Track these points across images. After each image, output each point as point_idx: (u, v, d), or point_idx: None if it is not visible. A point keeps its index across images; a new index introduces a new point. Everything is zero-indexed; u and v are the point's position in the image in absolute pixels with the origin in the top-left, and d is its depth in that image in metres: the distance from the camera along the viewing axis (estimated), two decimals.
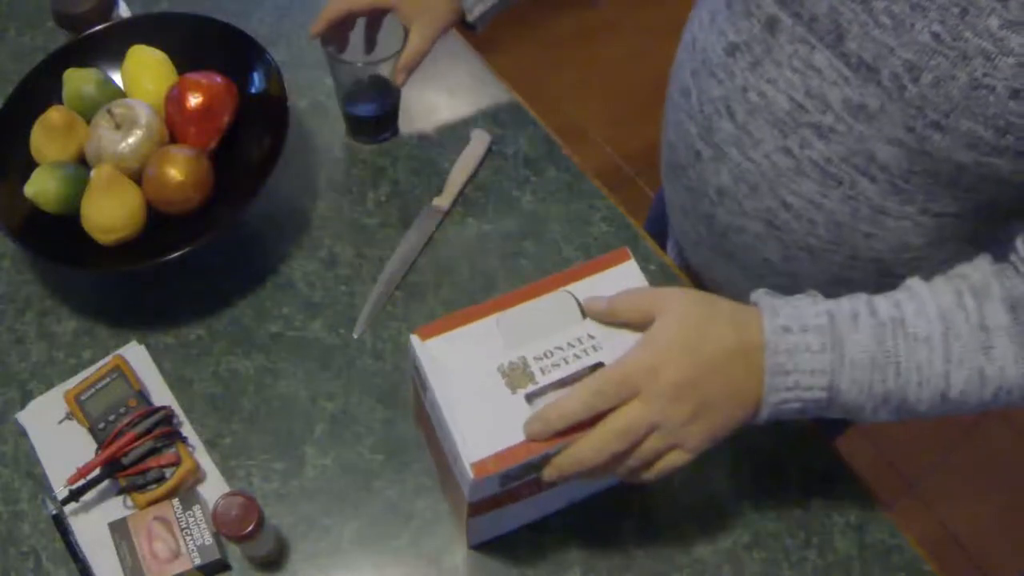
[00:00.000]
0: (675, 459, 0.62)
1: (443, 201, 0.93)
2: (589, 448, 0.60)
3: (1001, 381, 0.61)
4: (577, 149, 1.01)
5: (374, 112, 0.96)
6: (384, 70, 0.90)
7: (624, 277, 0.67)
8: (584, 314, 0.65)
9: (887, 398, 0.62)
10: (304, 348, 0.86)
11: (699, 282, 0.94)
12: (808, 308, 0.62)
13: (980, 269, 0.64)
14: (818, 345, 0.61)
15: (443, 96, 1.03)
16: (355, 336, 0.87)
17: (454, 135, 0.99)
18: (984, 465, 1.80)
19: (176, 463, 0.77)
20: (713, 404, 0.61)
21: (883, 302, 0.63)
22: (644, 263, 0.91)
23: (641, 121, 2.15)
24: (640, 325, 0.62)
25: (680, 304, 0.62)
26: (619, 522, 0.78)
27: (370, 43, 0.92)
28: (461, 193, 0.95)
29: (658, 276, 0.91)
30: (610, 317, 0.63)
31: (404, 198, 0.95)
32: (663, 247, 1.02)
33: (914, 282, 0.64)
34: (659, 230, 1.06)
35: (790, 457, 0.81)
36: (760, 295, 0.64)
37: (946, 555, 1.71)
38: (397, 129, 0.99)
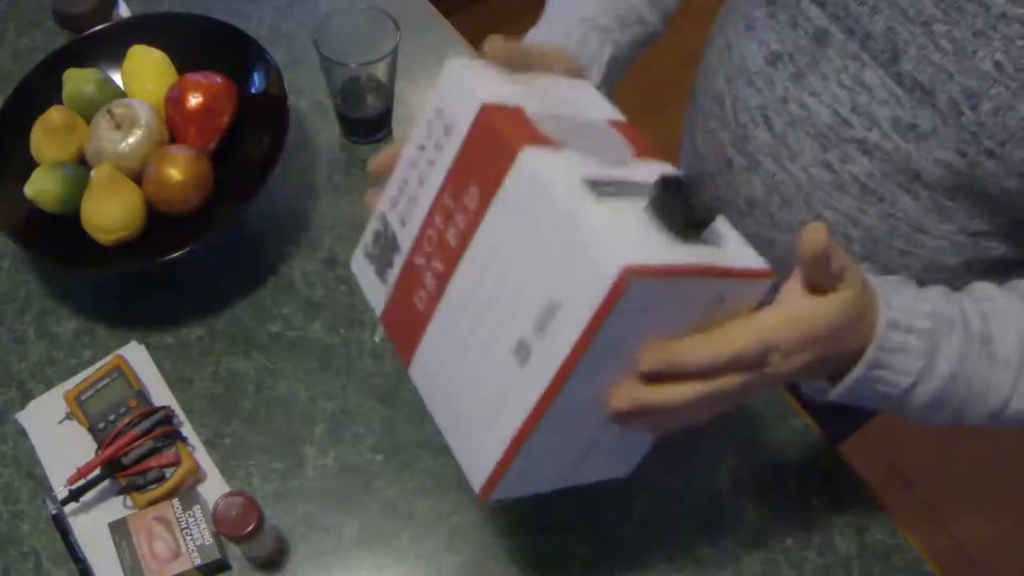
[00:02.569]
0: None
1: None
2: (702, 355, 0.51)
3: None
4: None
5: (367, 113, 0.96)
6: (377, 71, 0.90)
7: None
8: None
9: (943, 407, 0.60)
10: (304, 348, 0.86)
11: None
12: (916, 304, 0.58)
13: None
14: (916, 349, 0.58)
15: None
16: (376, 340, 0.86)
17: None
18: (984, 465, 1.80)
19: (176, 463, 0.77)
20: (821, 358, 0.55)
21: (973, 313, 0.59)
22: None
23: (640, 121, 2.15)
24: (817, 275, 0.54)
25: (858, 292, 0.53)
26: (619, 522, 0.78)
27: None
28: None
29: None
30: (815, 248, 0.51)
31: None
32: None
33: (994, 292, 0.61)
34: None
35: (790, 457, 0.81)
36: (866, 272, 0.57)
37: (946, 555, 1.71)
38: (391, 129, 0.99)
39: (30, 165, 0.86)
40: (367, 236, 0.60)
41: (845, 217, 0.71)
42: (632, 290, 0.42)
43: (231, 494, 0.70)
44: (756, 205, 0.77)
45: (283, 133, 0.86)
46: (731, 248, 0.50)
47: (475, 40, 1.09)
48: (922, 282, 0.73)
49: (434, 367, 0.55)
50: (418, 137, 0.55)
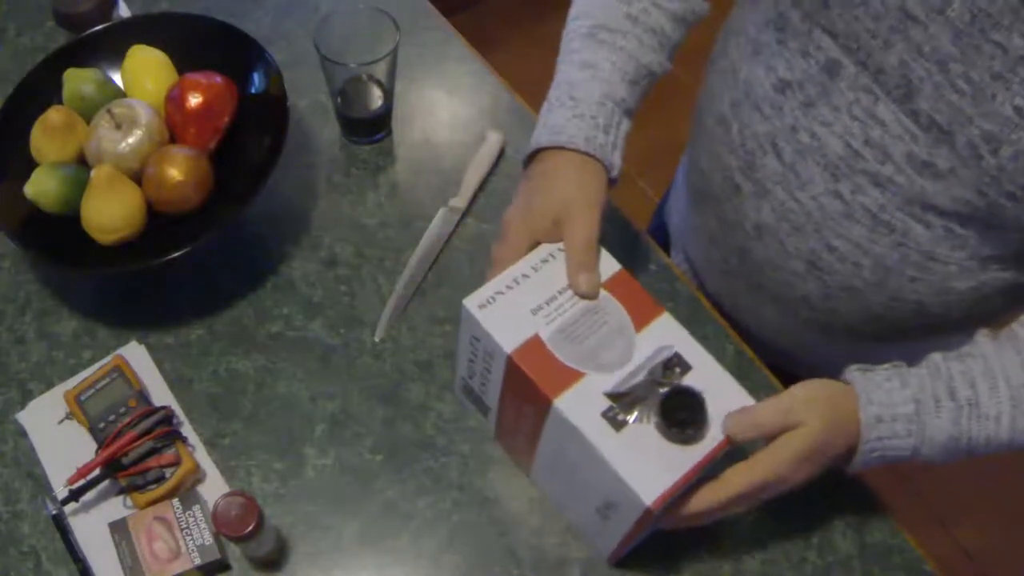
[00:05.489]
0: None
1: (460, 201, 0.93)
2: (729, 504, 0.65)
3: None
4: None
5: (367, 113, 0.96)
6: (377, 71, 0.90)
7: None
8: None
9: (952, 458, 0.67)
10: (304, 348, 0.86)
11: (716, 305, 0.93)
12: (897, 394, 0.65)
13: None
14: (904, 431, 0.65)
15: (443, 96, 1.03)
16: (376, 339, 0.87)
17: (454, 135, 0.99)
18: (984, 465, 1.79)
19: (176, 463, 0.77)
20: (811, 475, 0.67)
21: (961, 383, 0.65)
22: (644, 263, 0.91)
23: (641, 122, 2.15)
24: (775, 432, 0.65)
25: (817, 421, 0.64)
26: None
27: None
28: (478, 193, 0.95)
29: (658, 278, 0.91)
30: (756, 432, 0.64)
31: (404, 198, 0.95)
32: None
33: (987, 350, 0.66)
34: (660, 243, 1.06)
35: None
36: (853, 375, 0.67)
37: (946, 555, 1.71)
38: (391, 129, 0.99)
39: (30, 165, 0.86)
40: (457, 383, 0.80)
41: (855, 246, 0.71)
42: (656, 511, 0.62)
43: (231, 494, 0.70)
44: (765, 231, 0.76)
45: (283, 133, 0.86)
46: (714, 413, 0.64)
47: (475, 40, 1.09)
48: (930, 306, 0.73)
49: (545, 484, 0.78)
50: (464, 340, 0.72)
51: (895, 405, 0.65)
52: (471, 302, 0.67)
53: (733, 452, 0.65)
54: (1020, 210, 0.61)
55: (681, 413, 0.63)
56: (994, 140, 0.58)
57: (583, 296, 0.67)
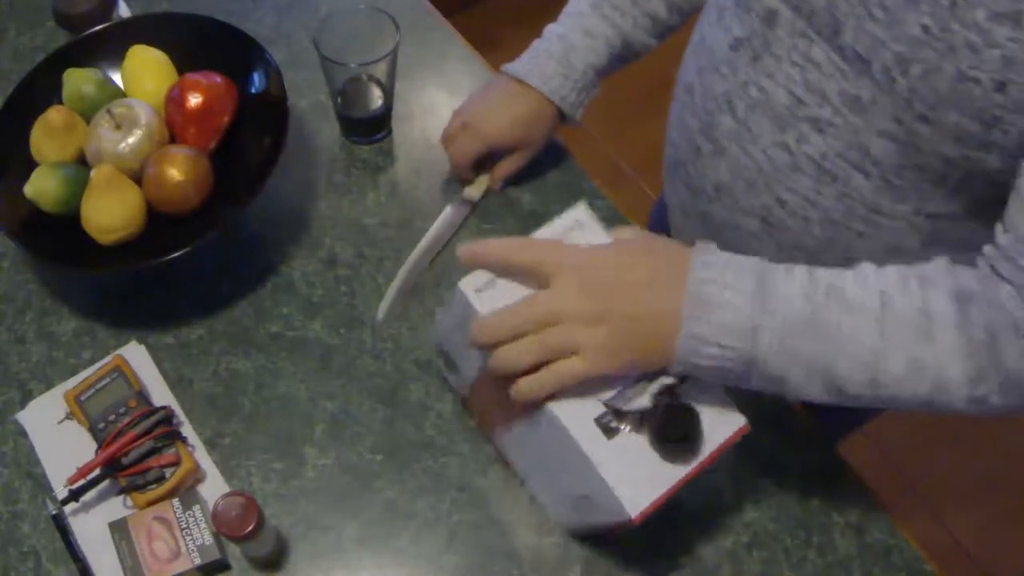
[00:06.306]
0: (571, 365, 0.61)
1: (474, 192, 0.94)
2: (500, 321, 0.62)
3: (939, 373, 0.58)
4: (577, 149, 1.01)
5: (367, 113, 0.96)
6: (377, 71, 0.90)
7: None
8: None
9: (812, 366, 0.60)
10: (304, 348, 0.86)
11: None
12: (743, 258, 0.61)
13: (934, 263, 0.62)
14: (736, 281, 0.60)
15: (443, 96, 1.03)
16: (379, 318, 0.87)
17: None
18: (985, 464, 1.80)
19: (176, 463, 0.77)
20: (623, 315, 0.61)
21: (823, 270, 0.61)
22: None
23: (641, 121, 2.15)
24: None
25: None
26: None
27: (478, 168, 0.95)
28: (491, 187, 0.95)
29: None
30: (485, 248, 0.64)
31: (404, 198, 0.95)
32: None
33: (863, 264, 0.63)
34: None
35: (790, 457, 0.81)
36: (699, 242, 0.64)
37: (946, 555, 1.71)
38: (391, 129, 0.99)
39: (30, 165, 0.86)
40: (434, 339, 0.82)
41: (803, 199, 0.73)
42: (638, 523, 0.62)
43: (231, 494, 0.70)
44: (723, 190, 0.78)
45: (283, 133, 0.86)
46: (708, 432, 0.64)
47: (475, 40, 1.09)
48: (884, 265, 0.73)
49: (512, 454, 0.77)
50: (452, 314, 0.71)
51: (734, 259, 0.61)
52: (467, 285, 0.65)
53: (722, 469, 0.65)
54: (935, 135, 0.62)
55: (675, 428, 0.62)
56: (904, 61, 0.60)
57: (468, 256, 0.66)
